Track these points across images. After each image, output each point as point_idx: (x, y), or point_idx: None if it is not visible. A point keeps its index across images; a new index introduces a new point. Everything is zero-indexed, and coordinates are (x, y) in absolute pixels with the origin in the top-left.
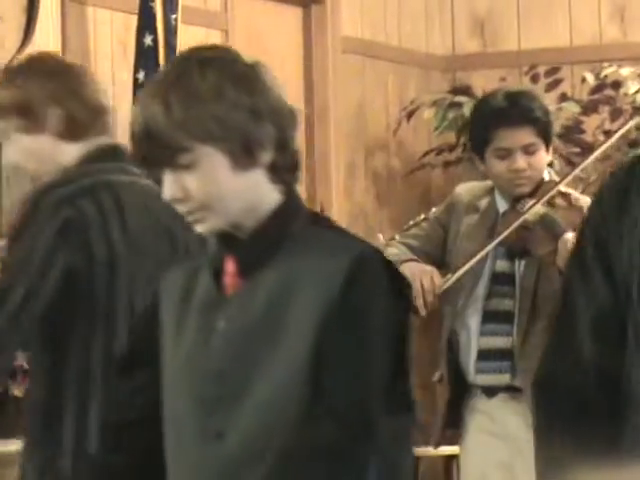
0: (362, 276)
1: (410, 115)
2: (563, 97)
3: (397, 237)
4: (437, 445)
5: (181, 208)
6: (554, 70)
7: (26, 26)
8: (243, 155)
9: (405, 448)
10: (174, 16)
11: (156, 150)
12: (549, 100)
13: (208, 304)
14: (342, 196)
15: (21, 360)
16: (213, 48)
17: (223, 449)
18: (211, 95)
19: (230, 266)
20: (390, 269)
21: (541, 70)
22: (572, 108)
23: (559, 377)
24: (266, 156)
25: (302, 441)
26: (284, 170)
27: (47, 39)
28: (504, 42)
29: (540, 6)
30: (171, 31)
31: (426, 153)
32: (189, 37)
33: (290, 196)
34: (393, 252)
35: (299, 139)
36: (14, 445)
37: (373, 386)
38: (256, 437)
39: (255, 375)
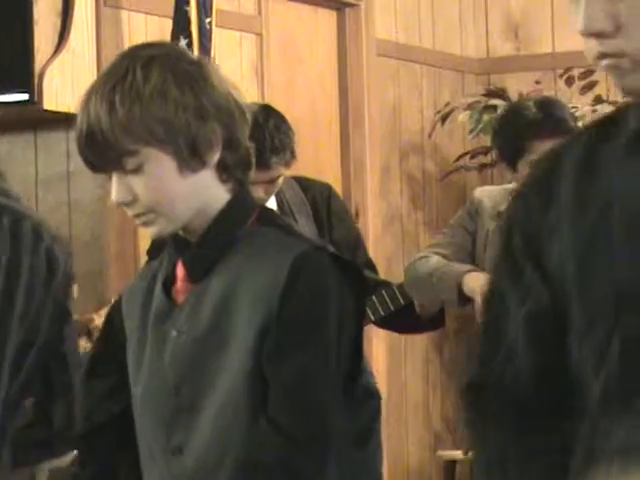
0: (302, 277)
1: (445, 118)
2: (598, 99)
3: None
4: (467, 451)
5: (130, 212)
6: (589, 72)
7: (61, 30)
8: (190, 157)
9: (372, 439)
10: (208, 20)
11: (102, 153)
12: (584, 103)
13: (162, 313)
14: (377, 199)
15: None
16: (158, 45)
17: (183, 464)
18: (155, 96)
19: (180, 271)
20: (340, 264)
21: (576, 72)
22: (607, 110)
23: (490, 380)
24: (214, 156)
25: (252, 457)
26: (234, 168)
27: (82, 43)
28: (538, 45)
29: None
30: (205, 35)
31: (461, 156)
32: (223, 41)
33: (238, 195)
34: (444, 264)
35: (330, 142)
36: None
37: (319, 394)
38: (210, 451)
39: (206, 387)
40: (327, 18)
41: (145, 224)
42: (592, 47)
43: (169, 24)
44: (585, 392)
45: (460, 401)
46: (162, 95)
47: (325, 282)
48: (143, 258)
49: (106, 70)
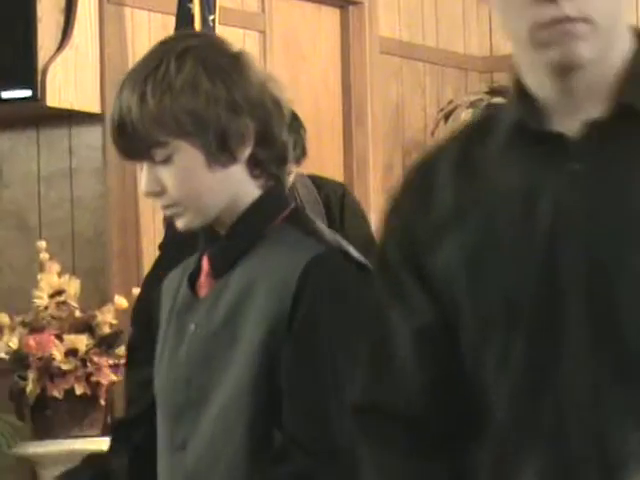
0: (316, 279)
1: (448, 116)
2: None
3: None
4: None
5: (158, 203)
6: None
7: (64, 27)
8: (219, 151)
9: None
10: (212, 17)
11: (131, 143)
12: None
13: (184, 306)
14: (380, 197)
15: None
16: (196, 36)
17: (185, 460)
18: (186, 88)
19: (205, 265)
20: (358, 266)
21: None
22: None
23: (381, 403)
24: (245, 152)
25: (272, 475)
26: (268, 163)
27: (85, 40)
28: None
29: None
30: (209, 32)
31: None
32: (226, 38)
33: (271, 191)
34: None
35: (333, 140)
36: (52, 446)
37: (325, 396)
38: (208, 451)
39: (213, 385)
40: (330, 16)
41: (174, 216)
42: (542, 12)
43: (172, 21)
44: (486, 404)
45: (354, 429)
46: (193, 87)
47: (340, 284)
48: (146, 255)
49: (141, 60)
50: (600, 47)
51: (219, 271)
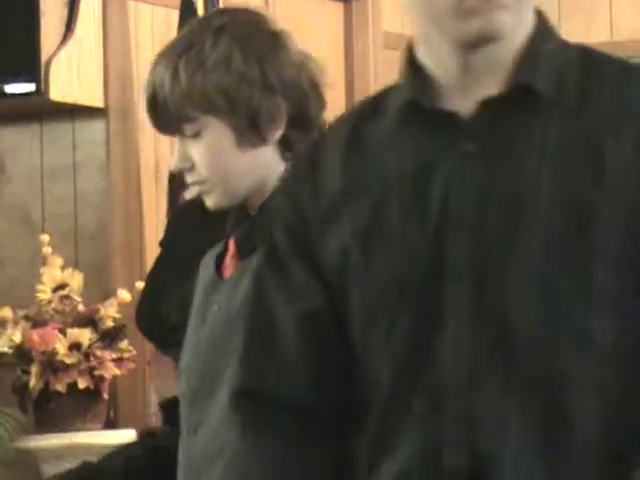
0: None
1: None
2: None
3: None
4: None
5: (188, 179)
6: None
7: (68, 21)
8: (249, 131)
9: None
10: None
11: (163, 117)
12: None
13: (210, 287)
14: None
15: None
16: (238, 12)
17: (195, 444)
18: (218, 65)
19: (231, 247)
20: None
21: None
22: None
23: (265, 390)
24: (276, 133)
25: None
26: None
27: (88, 33)
28: None
29: (581, 2)
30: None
31: None
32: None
33: None
34: None
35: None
36: (55, 440)
37: None
38: (213, 438)
39: (225, 371)
40: (334, 10)
41: (203, 193)
42: None
43: (176, 15)
44: (371, 389)
45: (230, 410)
46: (226, 65)
47: None
48: (149, 249)
49: (178, 35)
50: (517, 20)
51: (244, 253)
